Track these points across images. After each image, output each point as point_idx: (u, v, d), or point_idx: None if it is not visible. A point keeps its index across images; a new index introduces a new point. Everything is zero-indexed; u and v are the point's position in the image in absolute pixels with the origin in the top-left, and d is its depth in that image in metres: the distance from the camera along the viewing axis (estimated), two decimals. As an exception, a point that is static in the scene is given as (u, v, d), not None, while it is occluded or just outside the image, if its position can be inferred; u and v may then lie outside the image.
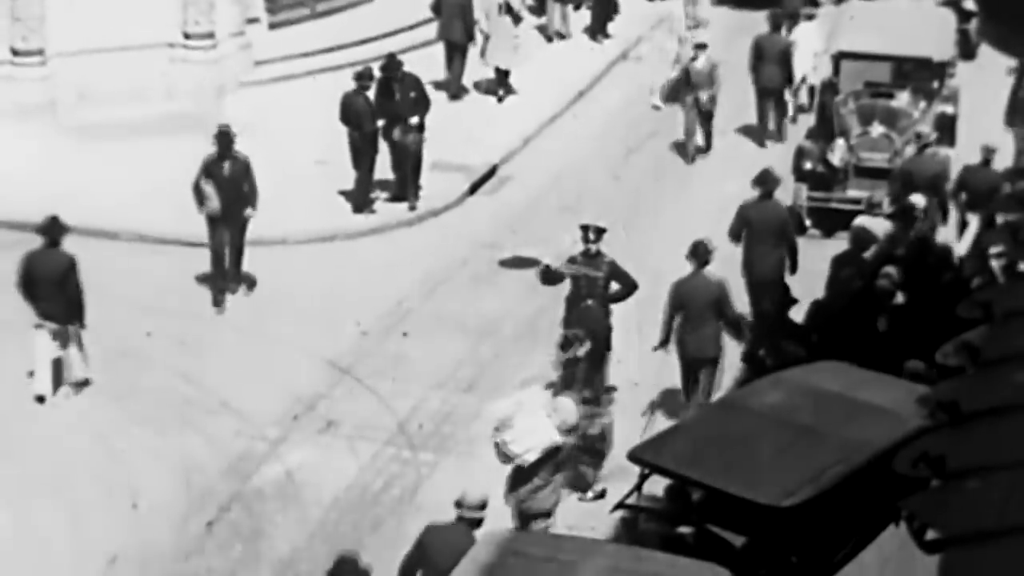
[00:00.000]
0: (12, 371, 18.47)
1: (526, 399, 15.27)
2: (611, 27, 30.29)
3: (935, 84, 24.30)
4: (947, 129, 23.88)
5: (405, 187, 22.96)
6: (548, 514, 15.20)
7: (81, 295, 17.93)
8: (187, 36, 25.79)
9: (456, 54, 26.98)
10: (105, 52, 24.35)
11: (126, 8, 24.44)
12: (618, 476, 16.15)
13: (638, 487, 14.32)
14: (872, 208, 20.21)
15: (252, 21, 27.00)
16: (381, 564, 14.16)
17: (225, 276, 20.32)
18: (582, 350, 17.18)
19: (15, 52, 24.80)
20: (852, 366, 15.84)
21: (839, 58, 24.49)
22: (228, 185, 20.00)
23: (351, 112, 22.33)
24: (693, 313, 17.47)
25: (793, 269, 19.38)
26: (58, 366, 18.15)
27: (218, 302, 20.20)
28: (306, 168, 23.60)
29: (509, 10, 26.70)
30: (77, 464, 16.80)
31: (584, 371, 17.39)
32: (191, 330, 19.57)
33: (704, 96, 25.01)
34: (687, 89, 25.20)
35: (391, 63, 22.90)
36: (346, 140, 22.49)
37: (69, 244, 19.08)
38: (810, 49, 26.18)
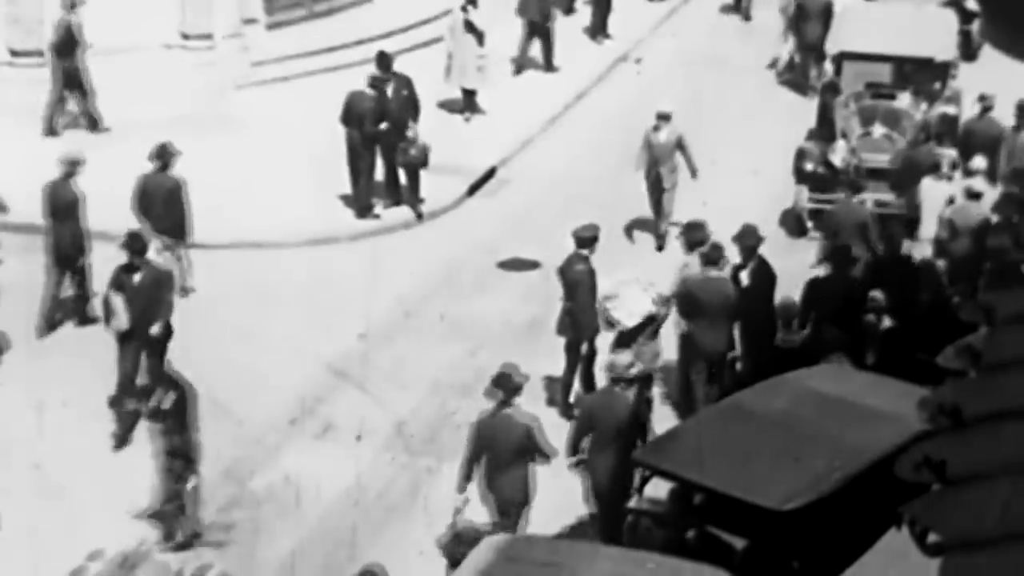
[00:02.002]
0: (11, 376, 18.42)
1: (628, 276, 17.38)
2: (611, 28, 30.18)
3: (937, 85, 24.26)
4: (949, 130, 23.82)
5: (396, 193, 22.75)
6: (649, 376, 16.92)
7: (189, 214, 19.76)
8: (185, 37, 25.72)
9: (535, 34, 27.68)
10: (103, 54, 24.27)
11: (124, 10, 24.38)
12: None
13: (639, 489, 14.28)
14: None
15: (249, 22, 26.93)
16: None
17: (125, 404, 17.55)
18: (167, 400, 15.37)
19: (13, 53, 24.76)
20: (854, 369, 15.80)
21: (841, 59, 24.42)
22: (138, 298, 17.62)
23: (355, 111, 22.15)
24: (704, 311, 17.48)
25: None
26: None
27: (120, 441, 17.34)
28: (304, 170, 23.51)
29: (472, 29, 25.76)
30: (75, 467, 16.73)
31: (172, 421, 15.40)
32: (188, 332, 19.46)
33: (665, 170, 21.97)
34: (649, 162, 22.12)
35: (383, 60, 22.72)
36: (344, 141, 22.36)
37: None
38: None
